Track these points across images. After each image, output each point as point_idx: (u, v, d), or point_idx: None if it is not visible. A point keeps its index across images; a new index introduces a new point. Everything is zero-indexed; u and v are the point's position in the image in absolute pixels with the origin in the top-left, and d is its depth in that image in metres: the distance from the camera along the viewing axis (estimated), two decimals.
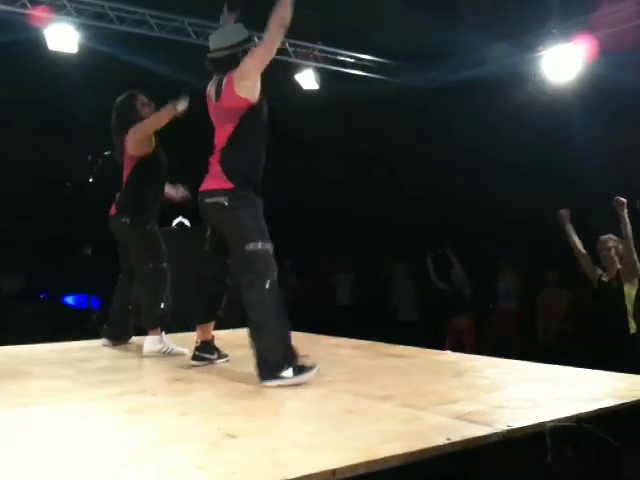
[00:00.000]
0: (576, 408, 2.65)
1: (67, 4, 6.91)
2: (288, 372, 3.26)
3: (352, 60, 8.55)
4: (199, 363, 3.86)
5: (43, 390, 3.25)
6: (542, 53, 7.60)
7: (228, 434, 2.37)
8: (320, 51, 8.28)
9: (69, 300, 10.89)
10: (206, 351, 3.90)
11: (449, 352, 4.51)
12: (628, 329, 5.31)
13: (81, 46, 7.20)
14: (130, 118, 4.52)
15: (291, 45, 8.05)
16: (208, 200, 3.59)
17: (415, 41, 8.08)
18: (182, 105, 4.27)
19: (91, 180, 5.91)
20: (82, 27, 7.11)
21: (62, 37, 7.04)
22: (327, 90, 8.43)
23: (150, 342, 4.35)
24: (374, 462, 2.04)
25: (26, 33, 7.08)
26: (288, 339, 3.36)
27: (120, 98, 4.66)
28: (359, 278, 11.26)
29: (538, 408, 2.72)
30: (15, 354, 4.48)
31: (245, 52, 3.66)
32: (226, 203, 3.49)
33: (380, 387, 3.18)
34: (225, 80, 3.61)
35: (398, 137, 10.42)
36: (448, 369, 3.75)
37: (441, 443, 2.19)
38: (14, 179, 9.89)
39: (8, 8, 6.69)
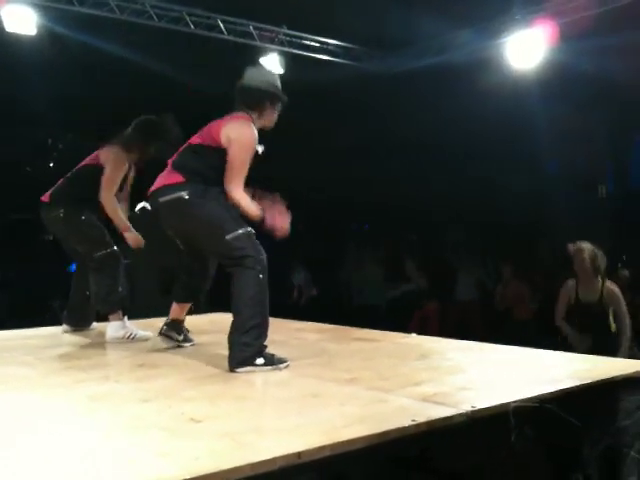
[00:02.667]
0: (538, 389, 2.68)
1: None
2: (259, 360, 3.23)
3: (317, 44, 8.49)
4: (165, 342, 3.83)
5: (2, 377, 3.17)
6: (506, 39, 7.64)
7: (192, 419, 2.35)
8: (285, 35, 8.21)
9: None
10: (174, 330, 3.85)
11: (414, 335, 4.53)
12: (610, 332, 5.15)
13: (40, 28, 7.01)
14: (140, 143, 4.43)
15: (255, 28, 7.96)
16: (163, 199, 3.42)
17: (379, 26, 8.06)
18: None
19: (52, 164, 5.78)
20: (40, 8, 6.92)
21: (20, 19, 6.85)
22: (291, 75, 8.36)
23: (113, 328, 4.29)
24: (340, 444, 2.03)
25: None
26: (266, 328, 3.32)
27: (159, 124, 4.43)
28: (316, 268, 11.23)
29: (501, 389, 2.75)
30: None
31: (277, 98, 3.60)
32: (186, 196, 3.34)
33: (345, 371, 3.18)
34: (230, 116, 3.52)
35: (361, 122, 10.42)
36: (413, 351, 3.77)
37: (406, 424, 2.20)
38: None
39: None
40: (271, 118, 3.64)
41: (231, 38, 7.66)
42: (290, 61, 8.28)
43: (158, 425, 2.30)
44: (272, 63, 8.16)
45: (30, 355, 3.82)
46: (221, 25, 7.63)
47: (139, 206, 6.32)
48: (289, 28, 8.16)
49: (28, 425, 2.37)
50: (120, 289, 4.37)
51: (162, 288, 5.34)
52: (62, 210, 4.35)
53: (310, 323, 5.00)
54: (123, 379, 3.25)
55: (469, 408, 2.40)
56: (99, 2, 7.07)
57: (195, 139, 3.56)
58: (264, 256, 3.34)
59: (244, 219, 3.41)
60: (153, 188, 3.52)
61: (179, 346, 3.88)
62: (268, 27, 8.03)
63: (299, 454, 1.97)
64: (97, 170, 4.39)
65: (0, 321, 6.68)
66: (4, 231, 10.31)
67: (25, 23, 6.90)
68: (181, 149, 3.58)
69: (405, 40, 8.48)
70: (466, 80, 8.40)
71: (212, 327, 4.54)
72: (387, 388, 2.77)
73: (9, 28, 6.91)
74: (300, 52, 8.39)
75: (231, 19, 7.71)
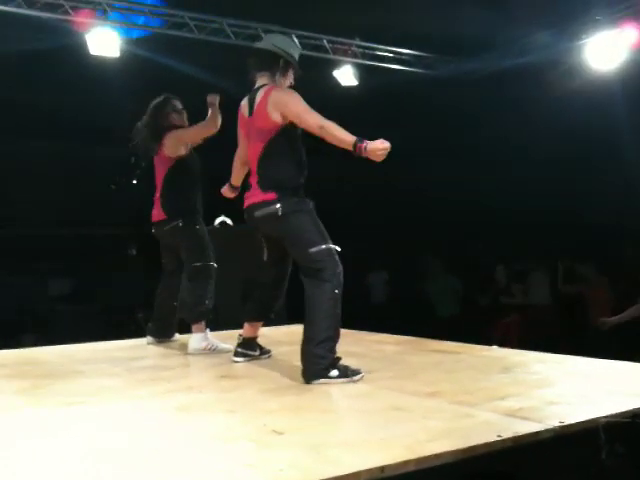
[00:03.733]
0: (630, 403, 2.57)
1: (108, 9, 7.02)
2: (334, 372, 3.25)
3: (390, 55, 8.49)
4: (241, 359, 3.89)
5: (93, 389, 3.30)
6: (586, 41, 7.43)
7: (274, 431, 2.37)
8: (358, 46, 8.24)
9: None
10: (249, 348, 3.92)
11: (495, 347, 4.43)
12: None
13: (122, 50, 7.30)
14: (160, 122, 4.60)
15: (329, 42, 8.03)
16: (258, 213, 3.54)
17: (454, 33, 7.98)
18: (214, 98, 4.33)
19: (135, 182, 5.99)
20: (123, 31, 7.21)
21: (104, 42, 7.15)
22: (366, 86, 8.38)
23: (195, 340, 4.39)
24: (424, 459, 2.01)
25: (68, 39, 7.20)
26: (337, 341, 3.34)
27: (155, 102, 4.71)
28: (393, 276, 11.17)
29: (590, 404, 2.65)
30: (63, 354, 4.56)
31: (287, 62, 3.66)
32: (279, 212, 3.44)
33: (426, 383, 3.15)
34: (260, 96, 3.58)
35: (438, 130, 10.32)
36: (496, 365, 3.69)
37: (492, 440, 2.15)
38: (61, 184, 10.10)
39: (51, 15, 6.82)
40: (282, 84, 3.67)
41: (305, 52, 7.74)
42: (364, 72, 8.31)
43: (243, 436, 2.34)
44: (346, 75, 8.22)
45: (118, 367, 3.96)
46: (295, 40, 7.72)
47: (218, 220, 6.50)
48: (362, 40, 8.19)
49: (120, 436, 2.45)
50: (207, 302, 4.48)
51: (245, 300, 5.42)
52: (180, 221, 4.51)
53: (388, 335, 4.96)
54: (207, 390, 3.31)
55: (557, 423, 2.32)
56: (179, 23, 7.29)
57: (256, 140, 3.59)
58: (341, 271, 3.38)
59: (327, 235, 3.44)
60: (246, 205, 3.64)
61: (257, 359, 3.93)
62: (341, 40, 8.08)
63: (383, 468, 1.96)
64: (175, 163, 4.57)
65: (88, 333, 6.94)
66: (91, 246, 10.74)
67: (109, 46, 7.20)
68: (255, 159, 3.61)
69: (482, 44, 8.36)
70: (546, 83, 8.21)
71: (289, 338, 4.57)
72: (471, 402, 2.72)
73: (93, 51, 7.21)
74: (373, 63, 8.40)
75: (306, 33, 7.81)
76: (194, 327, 4.44)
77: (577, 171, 9.98)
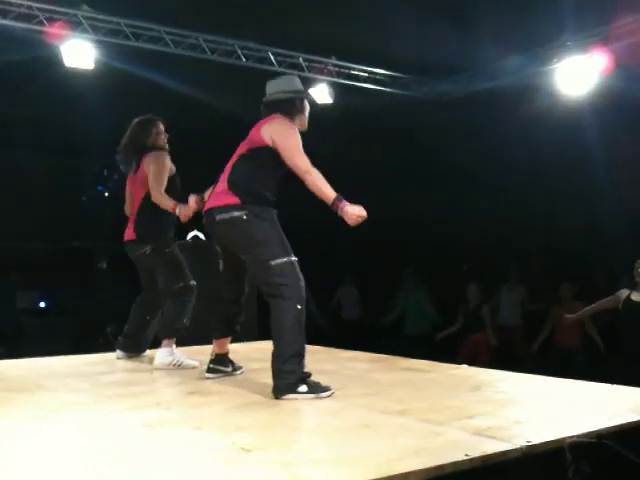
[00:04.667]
0: (596, 424, 2.61)
1: (83, 21, 6.98)
2: (303, 388, 3.25)
3: (366, 74, 8.56)
4: (214, 375, 3.87)
5: (58, 403, 3.24)
6: (556, 65, 7.57)
7: (243, 448, 2.35)
8: (334, 65, 8.30)
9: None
10: (220, 364, 3.91)
11: (465, 366, 4.46)
12: None
13: (97, 62, 7.26)
14: (144, 142, 4.59)
15: (305, 60, 8.08)
16: (220, 217, 3.47)
17: (428, 54, 8.09)
18: (184, 210, 4.24)
19: (107, 194, 5.95)
20: (98, 44, 7.17)
21: (78, 54, 7.10)
22: (341, 104, 8.44)
23: (162, 355, 4.37)
24: (394, 477, 2.01)
25: (42, 50, 7.15)
26: (304, 355, 3.34)
27: (139, 120, 4.69)
28: (364, 293, 11.18)
29: (557, 423, 2.68)
30: (31, 367, 4.49)
31: (302, 100, 3.72)
32: (244, 217, 3.40)
33: (396, 401, 3.16)
34: (266, 118, 3.61)
35: (410, 150, 10.42)
36: (464, 383, 3.71)
37: (460, 459, 2.16)
38: (30, 197, 9.97)
39: (25, 26, 6.77)
40: (303, 121, 3.72)
41: (281, 70, 7.78)
42: (339, 91, 8.37)
43: (211, 453, 2.31)
44: (322, 93, 8.26)
45: (84, 382, 3.90)
46: (272, 58, 7.77)
47: (191, 234, 6.46)
48: (338, 59, 8.26)
49: (81, 447, 2.41)
50: (185, 321, 4.46)
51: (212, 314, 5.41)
52: (149, 247, 4.49)
53: (361, 352, 4.97)
54: (174, 406, 3.28)
55: (524, 443, 2.34)
56: (155, 37, 7.28)
57: (240, 149, 3.62)
58: (303, 286, 3.37)
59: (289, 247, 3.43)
60: (209, 206, 3.59)
61: (229, 375, 3.92)
62: (317, 58, 8.14)
63: None
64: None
65: (56, 347, 6.83)
66: (61, 258, 10.60)
67: (84, 58, 7.16)
68: (231, 163, 3.62)
69: (455, 67, 8.49)
70: (517, 106, 8.34)
71: (260, 355, 4.54)
72: (440, 420, 2.73)
73: (68, 63, 7.17)
74: (349, 82, 8.46)
75: (282, 51, 7.85)
76: (164, 342, 4.41)
77: (545, 195, 10.14)
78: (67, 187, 10.01)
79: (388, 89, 8.78)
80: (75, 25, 6.98)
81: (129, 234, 4.62)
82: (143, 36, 7.28)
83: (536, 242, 10.85)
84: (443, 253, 11.54)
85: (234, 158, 3.62)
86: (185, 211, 4.23)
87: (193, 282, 4.53)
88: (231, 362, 3.99)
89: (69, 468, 2.19)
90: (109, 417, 2.96)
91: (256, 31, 7.53)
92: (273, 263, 3.34)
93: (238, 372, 4.00)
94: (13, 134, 9.29)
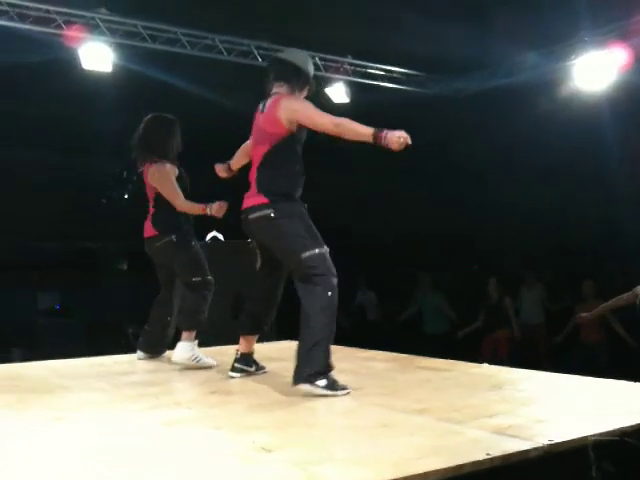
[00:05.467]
0: (618, 421, 2.57)
1: (101, 24, 7.03)
2: (321, 382, 3.26)
3: (382, 73, 8.55)
4: (238, 375, 3.87)
5: (78, 404, 3.27)
6: (574, 62, 7.50)
7: (262, 447, 2.35)
8: (350, 64, 8.29)
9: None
10: (245, 363, 3.92)
11: (485, 365, 4.42)
12: None
13: (114, 65, 7.31)
14: (153, 144, 4.56)
15: (321, 59, 8.08)
16: (252, 215, 3.58)
17: (444, 52, 8.05)
18: (216, 208, 4.33)
19: (127, 196, 5.98)
20: (115, 46, 7.22)
21: (96, 56, 7.16)
22: (357, 103, 8.43)
23: (182, 349, 4.35)
24: (412, 477, 2.00)
25: (61, 53, 7.21)
26: (330, 344, 3.36)
27: (154, 117, 4.67)
28: (382, 295, 11.17)
29: (579, 422, 2.65)
30: (51, 368, 4.52)
31: (306, 79, 3.73)
32: (272, 214, 3.49)
33: (415, 401, 3.14)
34: (272, 100, 3.63)
35: (426, 148, 10.37)
36: (484, 382, 3.68)
37: (480, 458, 2.14)
38: (50, 197, 10.07)
39: (43, 29, 6.83)
40: (303, 95, 3.75)
41: None
42: (355, 90, 8.36)
43: (230, 452, 2.32)
44: (338, 92, 8.26)
45: (105, 382, 3.92)
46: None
47: (210, 235, 6.49)
48: (354, 58, 8.25)
49: (101, 451, 2.43)
50: (205, 313, 4.47)
51: (233, 314, 5.43)
52: (174, 237, 4.48)
53: (379, 352, 4.96)
54: (194, 406, 3.29)
55: (546, 442, 2.32)
56: (171, 39, 7.32)
57: (262, 143, 3.63)
58: (335, 277, 3.41)
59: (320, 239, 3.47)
60: (244, 206, 3.67)
61: (252, 374, 3.92)
62: (333, 57, 8.14)
63: None
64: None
65: (76, 348, 6.89)
66: (81, 260, 10.69)
67: (102, 60, 7.21)
68: (256, 162, 3.65)
69: (471, 64, 8.44)
70: (533, 103, 8.28)
71: (279, 354, 4.56)
72: (459, 419, 2.71)
73: (86, 65, 7.22)
74: (365, 81, 8.45)
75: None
76: (184, 335, 4.40)
77: (563, 190, 10.06)
78: (88, 188, 10.09)
79: (404, 87, 8.76)
80: (92, 28, 7.04)
81: (149, 230, 4.62)
82: (160, 38, 7.32)
83: (550, 240, 10.77)
84: (456, 251, 11.49)
85: (259, 154, 3.64)
86: (217, 209, 4.32)
87: (210, 277, 4.53)
88: (255, 362, 3.99)
89: (70, 468, 2.19)
90: (127, 416, 2.98)
91: (272, 32, 7.54)
92: (303, 256, 3.39)
93: (261, 372, 3.99)
94: (32, 135, 9.38)
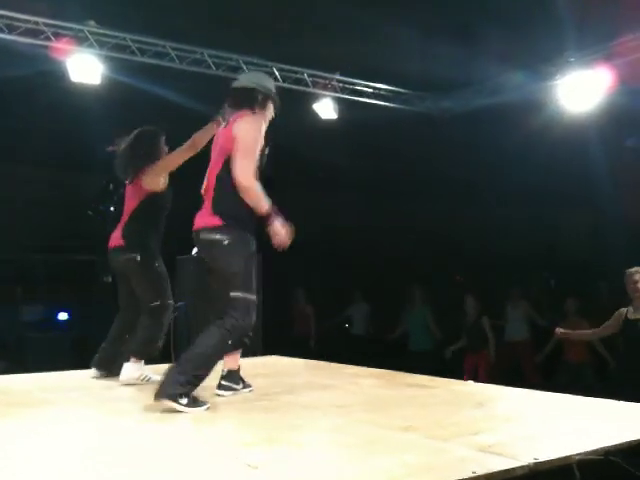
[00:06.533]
0: (603, 440, 2.59)
1: (90, 36, 7.03)
2: (183, 400, 3.30)
3: (370, 90, 8.61)
4: (225, 393, 3.82)
5: (62, 418, 3.24)
6: (559, 81, 7.60)
7: (248, 465, 2.35)
8: (338, 81, 8.35)
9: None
10: (232, 380, 3.87)
11: (470, 382, 4.45)
12: None
13: (103, 77, 7.31)
14: (151, 153, 4.56)
15: (309, 75, 8.13)
16: (203, 236, 3.61)
17: (431, 70, 8.14)
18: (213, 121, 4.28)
19: (113, 209, 5.95)
20: (104, 59, 7.22)
21: (84, 69, 7.15)
22: (345, 119, 8.48)
23: (130, 369, 4.33)
24: None
25: (48, 65, 7.20)
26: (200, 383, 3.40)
27: (145, 130, 4.68)
28: (374, 309, 11.19)
29: (564, 440, 2.67)
30: (34, 382, 4.48)
31: (265, 97, 3.76)
32: (224, 242, 3.51)
33: (401, 418, 3.14)
34: (234, 117, 3.68)
35: (413, 165, 10.46)
36: (469, 400, 3.70)
37: (467, 477, 2.15)
38: (36, 210, 10.01)
39: (32, 41, 6.82)
40: (268, 117, 3.80)
41: (286, 85, 7.83)
42: (343, 106, 8.42)
43: (216, 469, 2.31)
44: (326, 108, 8.31)
45: (89, 396, 3.90)
46: (277, 73, 7.82)
47: (196, 249, 6.47)
48: (342, 75, 8.31)
49: (101, 451, 2.41)
50: (159, 343, 4.44)
51: None
52: (138, 255, 4.41)
53: (365, 368, 4.96)
54: (180, 421, 3.26)
55: (531, 460, 2.33)
56: (160, 52, 7.34)
57: (216, 164, 3.67)
58: (248, 325, 3.50)
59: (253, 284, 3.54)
60: (196, 225, 3.68)
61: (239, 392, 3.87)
62: (322, 74, 8.19)
63: None
64: (149, 195, 4.50)
65: (60, 361, 6.83)
66: (65, 272, 10.62)
67: (90, 73, 7.21)
68: (211, 182, 3.67)
69: (458, 82, 8.53)
70: (520, 122, 8.36)
71: (266, 370, 4.56)
72: (445, 437, 2.72)
73: (74, 78, 7.21)
74: (353, 97, 8.51)
75: (287, 67, 7.91)
76: (133, 358, 4.36)
77: (548, 210, 10.17)
78: (73, 201, 10.04)
79: (391, 104, 8.83)
80: (81, 40, 7.04)
81: (116, 239, 4.54)
82: (148, 51, 7.33)
83: (538, 257, 10.87)
84: (445, 268, 11.55)
85: (215, 168, 3.66)
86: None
87: (171, 301, 4.50)
88: (242, 379, 3.95)
89: (70, 468, 2.18)
90: (110, 433, 2.95)
91: (260, 47, 7.58)
92: (232, 295, 3.47)
93: (247, 390, 3.93)
94: (18, 148, 9.33)
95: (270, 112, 3.82)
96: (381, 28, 7.08)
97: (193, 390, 3.35)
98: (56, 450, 2.29)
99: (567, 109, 7.66)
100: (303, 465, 2.40)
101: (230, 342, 3.43)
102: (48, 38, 6.87)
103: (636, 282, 5.48)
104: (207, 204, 3.66)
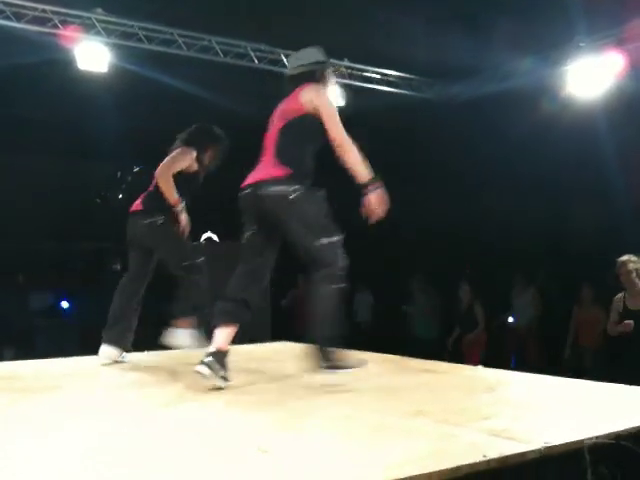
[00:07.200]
0: (614, 424, 2.58)
1: (97, 24, 7.02)
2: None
3: (378, 76, 8.58)
4: (203, 369, 3.42)
5: (72, 404, 3.25)
6: (569, 67, 7.54)
7: (258, 448, 2.34)
8: (346, 67, 8.31)
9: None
10: (218, 362, 3.42)
11: (480, 367, 4.43)
12: None
13: (110, 65, 7.30)
14: (196, 144, 4.52)
15: None
16: (266, 191, 3.38)
17: (440, 56, 8.09)
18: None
19: (120, 196, 5.97)
20: (112, 46, 7.21)
21: (92, 56, 7.15)
22: (353, 106, 8.45)
23: (183, 335, 4.28)
24: (412, 479, 2.00)
25: (56, 53, 7.20)
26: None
27: (218, 132, 4.67)
28: (377, 296, 11.20)
29: (575, 424, 2.65)
30: (43, 368, 4.50)
31: (323, 72, 3.72)
32: (291, 196, 3.34)
33: (410, 403, 3.13)
34: (298, 88, 3.60)
35: (421, 152, 10.41)
36: (480, 385, 3.69)
37: (477, 460, 2.15)
38: (44, 198, 10.04)
39: (39, 29, 6.82)
40: (330, 85, 3.82)
41: (293, 72, 7.79)
42: (351, 93, 8.39)
43: (226, 453, 2.31)
44: (334, 95, 8.27)
45: (99, 382, 3.91)
46: (284, 59, 7.79)
47: (205, 236, 6.49)
48: (350, 61, 8.27)
49: (101, 451, 2.42)
50: (204, 296, 4.34)
51: None
52: (160, 218, 4.34)
53: (372, 353, 4.95)
54: (187, 406, 3.27)
55: (542, 444, 2.32)
56: (168, 40, 7.32)
57: (279, 122, 3.57)
58: (344, 266, 3.41)
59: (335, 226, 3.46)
60: (259, 177, 3.48)
61: (215, 385, 3.48)
62: (330, 60, 8.14)
63: None
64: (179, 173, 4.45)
65: (69, 348, 6.86)
66: (74, 260, 10.66)
67: (97, 61, 7.20)
68: (273, 135, 3.56)
69: (468, 68, 8.48)
70: (529, 108, 8.31)
71: (275, 356, 4.55)
72: (455, 422, 2.71)
73: (82, 66, 7.21)
74: (361, 84, 8.48)
75: (294, 53, 7.87)
76: (181, 322, 4.29)
77: (560, 196, 10.10)
78: (82, 189, 10.06)
79: (400, 90, 8.79)
80: (89, 28, 7.04)
81: (137, 205, 4.50)
82: (156, 39, 7.32)
83: (548, 245, 10.80)
84: (455, 257, 11.50)
85: (276, 129, 3.56)
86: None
87: (202, 259, 4.44)
88: (226, 368, 3.49)
89: (70, 468, 2.18)
90: (120, 419, 2.96)
91: (268, 34, 7.56)
92: (317, 244, 3.36)
93: (223, 384, 3.46)
94: (26, 136, 9.35)
95: (331, 79, 3.84)
96: (390, 14, 7.04)
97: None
98: (56, 450, 2.28)
99: (577, 95, 7.60)
100: (313, 449, 2.40)
101: (337, 286, 3.36)
102: (55, 26, 6.88)
103: (629, 272, 5.49)
104: (268, 158, 3.51)
